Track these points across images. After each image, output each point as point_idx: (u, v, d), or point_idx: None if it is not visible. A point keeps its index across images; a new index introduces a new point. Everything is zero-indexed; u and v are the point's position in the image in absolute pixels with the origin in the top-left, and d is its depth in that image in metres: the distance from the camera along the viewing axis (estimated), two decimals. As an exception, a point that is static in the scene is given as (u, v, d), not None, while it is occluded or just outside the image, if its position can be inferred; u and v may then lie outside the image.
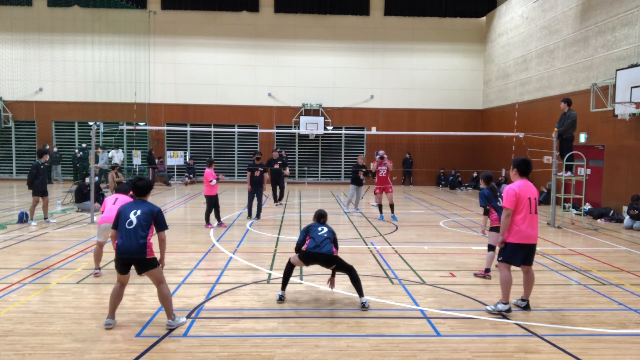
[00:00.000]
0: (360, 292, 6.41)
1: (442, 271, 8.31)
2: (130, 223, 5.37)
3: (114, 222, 5.56)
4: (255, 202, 13.69)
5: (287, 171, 17.63)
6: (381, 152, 14.68)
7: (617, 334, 5.67)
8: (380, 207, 14.09)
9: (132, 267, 5.54)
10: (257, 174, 13.36)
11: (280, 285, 6.71)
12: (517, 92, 21.82)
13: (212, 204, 12.17)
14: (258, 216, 13.56)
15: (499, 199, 7.87)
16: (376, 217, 14.28)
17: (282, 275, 6.73)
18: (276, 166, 16.18)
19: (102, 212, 7.88)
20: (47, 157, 12.48)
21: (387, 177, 13.97)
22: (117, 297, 5.57)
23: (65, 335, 5.34)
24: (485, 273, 7.94)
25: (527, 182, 6.13)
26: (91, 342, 5.17)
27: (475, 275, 8.04)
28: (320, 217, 6.94)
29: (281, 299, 6.52)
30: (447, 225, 13.25)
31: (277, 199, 16.89)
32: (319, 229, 6.68)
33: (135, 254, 5.33)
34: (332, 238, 6.60)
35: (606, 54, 15.55)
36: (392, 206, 13.96)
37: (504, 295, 6.15)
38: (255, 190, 13.42)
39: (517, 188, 6.02)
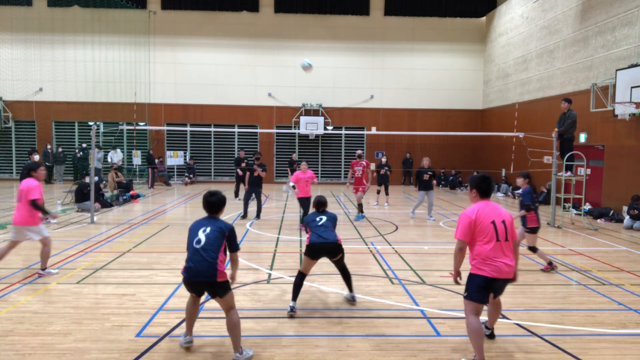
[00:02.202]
0: (350, 287, 6.50)
1: (442, 271, 8.31)
2: (199, 242, 4.79)
3: (188, 241, 4.95)
4: (255, 202, 13.73)
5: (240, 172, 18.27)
6: (359, 151, 14.81)
7: (617, 334, 5.67)
8: (359, 206, 14.05)
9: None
10: (255, 174, 13.39)
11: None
12: (517, 92, 21.82)
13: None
14: (258, 216, 13.57)
15: (537, 198, 8.53)
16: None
17: (292, 285, 6.30)
18: (243, 164, 16.70)
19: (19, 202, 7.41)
20: (35, 158, 12.38)
21: (361, 178, 13.99)
22: (192, 312, 5.09)
23: (65, 335, 5.34)
24: (551, 266, 8.34)
25: (487, 204, 4.94)
26: (91, 342, 5.18)
27: (543, 271, 8.36)
28: (319, 205, 6.63)
29: (292, 310, 6.02)
30: (447, 225, 13.24)
31: (237, 194, 18.03)
32: (317, 219, 6.39)
33: (203, 276, 4.71)
34: (333, 225, 6.38)
35: (606, 54, 15.55)
36: (359, 206, 13.91)
37: (476, 349, 4.77)
38: (254, 190, 13.45)
39: (472, 213, 4.84)
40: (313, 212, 6.65)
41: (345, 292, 6.74)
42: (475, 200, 5.05)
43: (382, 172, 16.86)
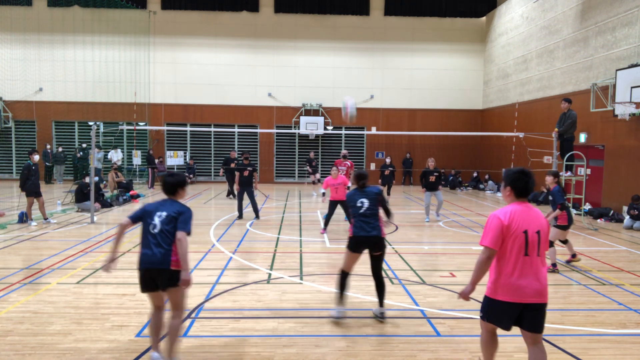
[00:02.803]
0: (382, 299, 5.94)
1: (442, 271, 8.31)
2: (154, 227, 4.52)
3: (134, 212, 4.69)
4: (249, 202, 13.65)
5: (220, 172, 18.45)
6: (344, 151, 14.73)
7: (617, 334, 5.67)
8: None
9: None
10: (245, 173, 13.36)
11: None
12: (517, 92, 21.82)
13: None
14: (257, 216, 13.54)
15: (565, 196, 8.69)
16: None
17: (336, 287, 5.86)
18: (233, 164, 16.99)
19: None
20: (35, 158, 12.33)
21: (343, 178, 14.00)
22: (157, 326, 4.73)
23: (65, 335, 5.34)
24: (554, 268, 8.43)
25: (524, 207, 4.00)
26: (91, 342, 5.18)
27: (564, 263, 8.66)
28: (360, 178, 5.96)
29: (339, 316, 5.62)
30: (447, 225, 13.24)
31: (230, 193, 18.48)
32: (359, 203, 5.80)
33: (158, 263, 4.43)
34: (376, 205, 5.83)
35: (606, 54, 15.55)
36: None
37: (484, 357, 4.33)
38: (245, 190, 13.42)
39: (504, 216, 3.92)
40: (354, 190, 5.99)
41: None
42: (509, 200, 4.11)
43: (387, 172, 16.86)
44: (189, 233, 4.51)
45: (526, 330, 3.97)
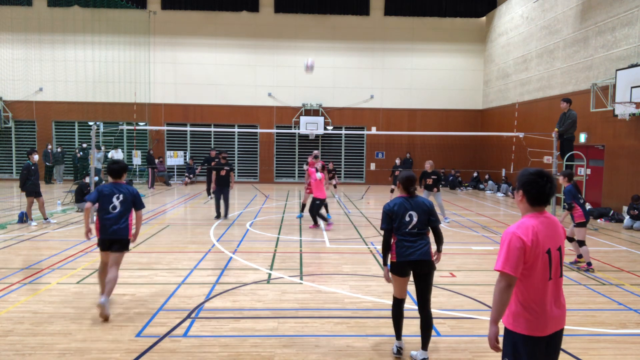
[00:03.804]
0: (426, 341, 4.88)
1: (442, 271, 8.30)
2: (114, 207, 6.01)
3: (92, 195, 6.05)
4: (223, 202, 13.53)
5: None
6: (315, 152, 14.73)
7: (617, 334, 5.68)
8: (303, 206, 13.97)
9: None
10: (222, 173, 13.32)
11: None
12: (517, 92, 21.82)
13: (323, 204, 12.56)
14: (226, 216, 13.47)
15: (580, 195, 8.68)
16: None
17: (392, 320, 5.06)
18: (213, 163, 17.05)
19: None
20: (35, 158, 12.29)
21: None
22: (105, 278, 6.03)
23: (65, 335, 5.34)
24: (589, 267, 8.49)
25: (544, 219, 3.18)
26: (91, 342, 5.18)
27: (578, 269, 8.57)
28: (409, 183, 4.85)
29: (399, 352, 4.94)
30: (447, 225, 13.24)
31: (210, 193, 18.42)
32: (407, 218, 4.75)
33: (121, 235, 6.02)
34: (426, 228, 4.86)
35: (606, 54, 15.55)
36: (303, 205, 13.91)
37: None
38: (222, 190, 13.34)
39: (526, 235, 3.08)
40: (401, 198, 4.88)
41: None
42: (522, 207, 3.26)
43: (397, 173, 17.01)
44: (143, 207, 6.36)
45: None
